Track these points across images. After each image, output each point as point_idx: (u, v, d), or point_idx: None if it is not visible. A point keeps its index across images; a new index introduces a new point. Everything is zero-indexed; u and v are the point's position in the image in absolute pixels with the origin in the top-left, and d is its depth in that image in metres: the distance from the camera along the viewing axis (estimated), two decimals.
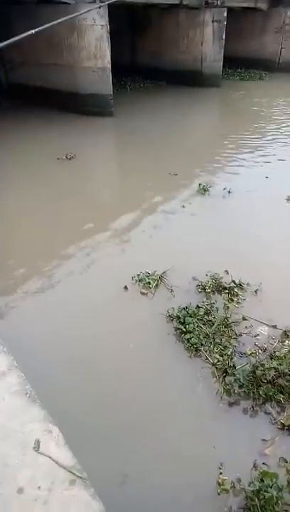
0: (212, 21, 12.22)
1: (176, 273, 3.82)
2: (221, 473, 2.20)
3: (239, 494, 2.12)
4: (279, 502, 2.01)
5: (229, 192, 5.65)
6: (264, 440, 2.40)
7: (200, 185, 5.75)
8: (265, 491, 2.05)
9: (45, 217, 5.04)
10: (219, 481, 2.16)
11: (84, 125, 9.03)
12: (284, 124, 9.15)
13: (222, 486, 2.14)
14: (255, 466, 2.24)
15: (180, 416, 2.58)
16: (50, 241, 4.53)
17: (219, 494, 2.12)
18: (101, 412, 2.58)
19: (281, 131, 8.70)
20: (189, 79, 12.97)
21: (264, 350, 2.97)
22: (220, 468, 2.23)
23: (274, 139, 8.20)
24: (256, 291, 3.59)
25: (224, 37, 12.44)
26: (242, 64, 15.67)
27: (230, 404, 2.61)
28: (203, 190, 5.66)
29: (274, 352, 2.92)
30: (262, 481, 2.11)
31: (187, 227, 4.86)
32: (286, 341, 3.04)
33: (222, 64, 12.97)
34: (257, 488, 2.08)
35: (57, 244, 4.48)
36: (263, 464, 2.26)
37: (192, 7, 11.97)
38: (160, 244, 4.47)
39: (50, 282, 3.80)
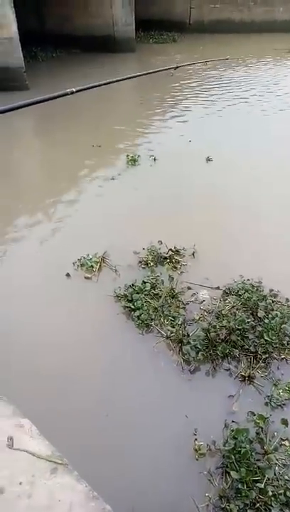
0: None
1: (117, 251, 3.72)
2: (196, 440, 2.27)
3: (215, 455, 2.21)
4: (252, 454, 2.14)
5: (154, 159, 5.63)
6: (231, 396, 2.52)
7: (128, 156, 5.61)
8: (239, 447, 2.17)
9: None
10: (196, 447, 2.23)
11: None
12: (200, 88, 9.19)
13: (199, 452, 2.21)
14: (226, 425, 2.34)
15: (148, 394, 2.57)
16: None
17: (197, 460, 2.19)
18: (74, 402, 2.52)
19: (198, 95, 8.71)
20: (103, 45, 12.39)
21: (211, 312, 3.05)
22: (195, 435, 2.30)
23: (192, 102, 8.20)
24: (193, 254, 3.66)
25: None
26: (154, 26, 15.32)
27: (192, 372, 2.67)
28: (133, 160, 5.54)
29: (220, 311, 3.02)
30: (235, 438, 2.22)
31: (119, 200, 4.73)
32: (228, 299, 3.16)
33: (134, 27, 12.53)
34: (232, 446, 2.18)
35: None
36: (233, 422, 2.36)
37: None
38: (95, 222, 4.30)
39: None
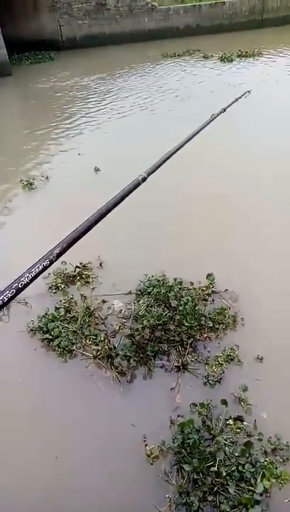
0: None
1: None
2: (146, 445, 2.25)
3: (167, 454, 2.21)
4: (201, 442, 2.17)
5: (46, 178, 5.56)
6: (172, 389, 2.54)
7: (21, 181, 5.43)
8: (187, 439, 2.18)
9: None
10: (148, 452, 2.21)
11: None
12: (81, 103, 9.18)
13: (152, 456, 2.20)
14: (172, 422, 2.35)
15: (92, 418, 2.50)
16: None
17: (152, 464, 2.18)
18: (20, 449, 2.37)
19: (81, 110, 8.70)
20: None
21: (129, 318, 3.03)
22: (145, 441, 2.28)
23: (77, 118, 8.17)
24: (101, 265, 3.64)
25: None
26: (29, 47, 15.04)
27: (129, 381, 2.63)
28: (29, 184, 5.37)
29: (137, 313, 3.01)
30: (182, 431, 2.24)
31: (11, 228, 4.55)
32: (141, 300, 3.17)
33: (5, 50, 12.20)
34: (181, 440, 2.20)
35: None
36: (178, 416, 2.38)
37: None
38: None
39: None
